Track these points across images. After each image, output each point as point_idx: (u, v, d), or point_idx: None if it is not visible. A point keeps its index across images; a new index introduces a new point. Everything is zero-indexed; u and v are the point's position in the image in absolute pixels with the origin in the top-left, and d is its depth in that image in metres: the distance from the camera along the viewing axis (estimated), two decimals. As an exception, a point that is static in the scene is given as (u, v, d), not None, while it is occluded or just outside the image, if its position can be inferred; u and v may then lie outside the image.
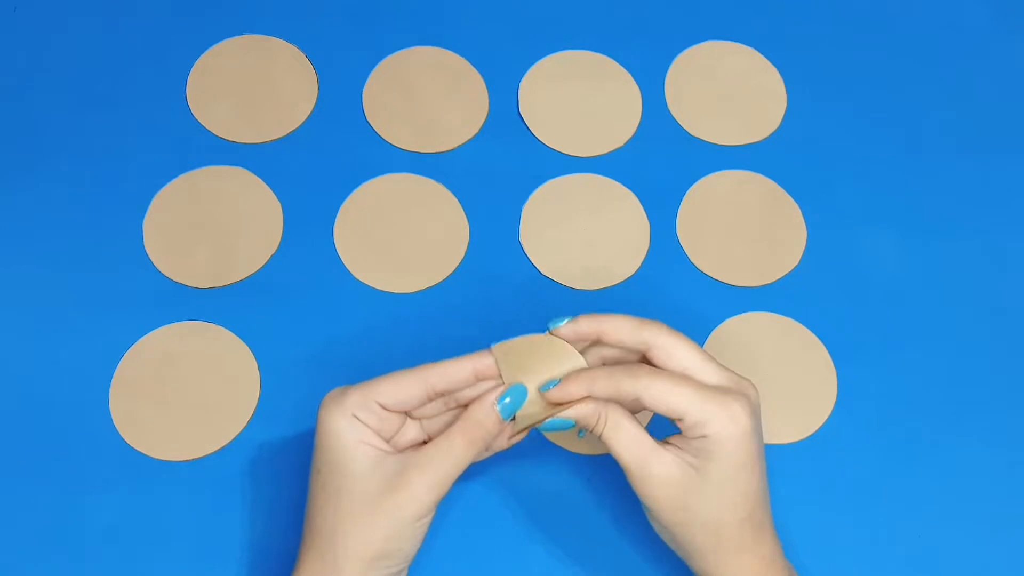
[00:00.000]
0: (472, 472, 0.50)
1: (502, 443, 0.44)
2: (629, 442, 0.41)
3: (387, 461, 0.41)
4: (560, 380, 0.42)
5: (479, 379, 0.42)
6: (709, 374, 0.42)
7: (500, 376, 0.42)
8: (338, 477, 0.41)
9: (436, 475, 0.41)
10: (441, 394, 0.42)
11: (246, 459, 0.50)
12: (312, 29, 0.63)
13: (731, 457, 0.40)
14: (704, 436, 0.40)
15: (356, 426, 0.41)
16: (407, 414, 0.43)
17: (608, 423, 0.41)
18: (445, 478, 0.41)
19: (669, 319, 0.55)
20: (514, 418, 0.42)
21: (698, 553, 0.42)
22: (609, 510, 0.50)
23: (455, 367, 0.42)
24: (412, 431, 0.44)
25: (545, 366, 0.42)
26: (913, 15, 0.68)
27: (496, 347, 0.42)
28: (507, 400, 0.42)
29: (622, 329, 0.43)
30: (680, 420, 0.40)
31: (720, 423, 0.40)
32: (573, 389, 0.41)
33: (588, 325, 0.43)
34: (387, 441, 0.42)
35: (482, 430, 0.42)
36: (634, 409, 0.43)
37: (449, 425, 0.43)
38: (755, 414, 0.41)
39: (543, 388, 0.42)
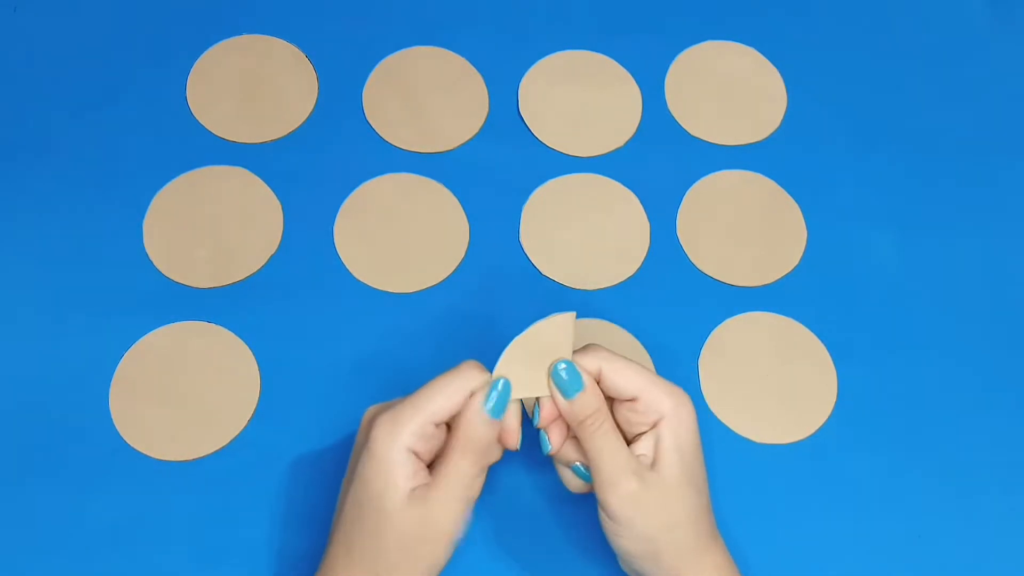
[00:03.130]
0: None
1: (512, 443, 0.44)
2: (610, 451, 0.42)
3: (419, 496, 0.41)
4: (572, 363, 0.43)
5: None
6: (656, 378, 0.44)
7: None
8: (382, 513, 0.40)
9: (459, 504, 0.41)
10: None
11: (246, 459, 0.50)
12: (312, 29, 0.63)
13: (683, 449, 0.42)
14: (658, 421, 0.42)
15: (410, 463, 0.41)
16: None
17: (600, 426, 0.42)
18: (467, 503, 0.42)
19: (669, 319, 0.56)
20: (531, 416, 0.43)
21: (650, 563, 0.42)
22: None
23: (486, 379, 0.42)
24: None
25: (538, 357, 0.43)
26: (913, 15, 0.68)
27: (497, 372, 0.42)
28: (491, 403, 0.42)
29: (579, 360, 0.44)
30: (635, 399, 0.42)
31: (672, 405, 0.42)
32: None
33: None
34: (431, 457, 0.42)
35: (478, 441, 0.42)
36: None
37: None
38: (695, 411, 0.43)
39: (558, 366, 0.42)
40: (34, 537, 0.47)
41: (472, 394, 0.42)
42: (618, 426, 0.44)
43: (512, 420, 0.43)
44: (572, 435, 0.44)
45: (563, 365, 0.42)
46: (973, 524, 0.51)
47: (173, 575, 0.47)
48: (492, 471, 0.49)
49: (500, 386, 0.42)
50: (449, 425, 0.43)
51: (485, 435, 0.42)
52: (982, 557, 0.51)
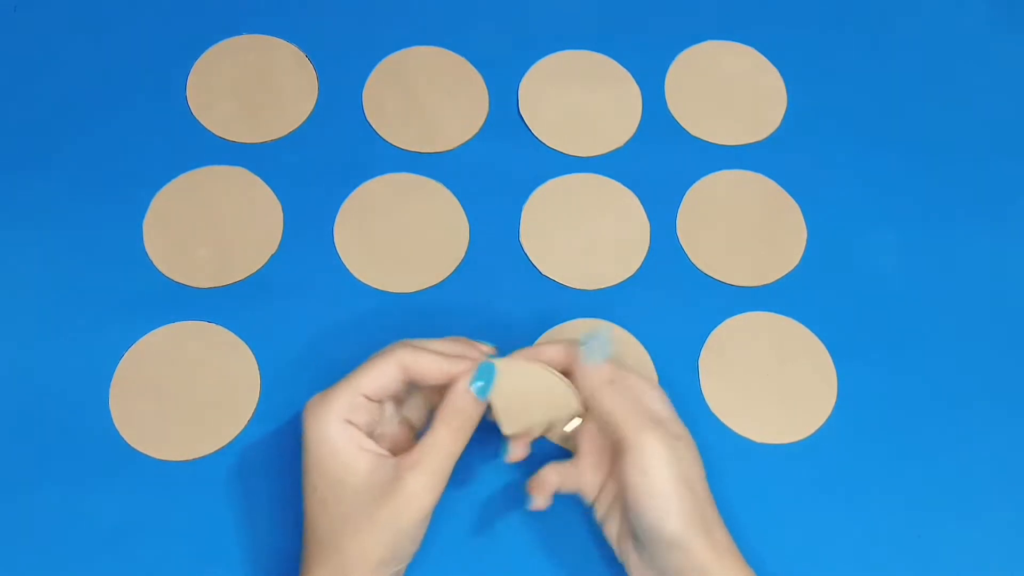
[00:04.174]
0: (470, 473, 0.50)
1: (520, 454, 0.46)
2: (635, 404, 0.44)
3: (381, 465, 0.41)
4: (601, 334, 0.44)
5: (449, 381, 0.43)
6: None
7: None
8: (336, 487, 0.41)
9: (431, 474, 0.41)
10: (414, 381, 0.44)
11: (246, 459, 0.50)
12: (312, 29, 0.63)
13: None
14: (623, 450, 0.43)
15: (349, 431, 0.41)
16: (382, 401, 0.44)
17: (623, 383, 0.44)
18: (440, 475, 0.41)
19: (669, 320, 0.56)
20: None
21: (675, 523, 0.42)
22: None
23: (429, 363, 0.43)
24: (393, 423, 0.45)
25: (540, 405, 0.45)
26: (913, 15, 0.68)
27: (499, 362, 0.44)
28: (479, 383, 0.43)
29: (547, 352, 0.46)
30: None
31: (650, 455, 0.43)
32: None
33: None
34: (373, 435, 0.43)
35: (463, 416, 0.42)
36: None
37: (429, 413, 0.44)
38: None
39: (589, 338, 0.44)
40: (34, 537, 0.47)
41: (410, 374, 0.43)
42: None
43: (518, 449, 0.46)
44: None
45: (601, 333, 0.44)
46: (973, 524, 0.51)
47: (172, 574, 0.47)
48: (478, 472, 0.50)
49: (486, 369, 0.43)
50: (394, 404, 0.44)
51: (469, 409, 0.43)
52: (982, 557, 0.51)
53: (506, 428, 0.44)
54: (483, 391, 0.43)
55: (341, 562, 0.41)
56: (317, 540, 0.42)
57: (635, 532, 0.44)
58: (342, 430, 0.41)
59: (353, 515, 0.41)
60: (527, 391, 0.44)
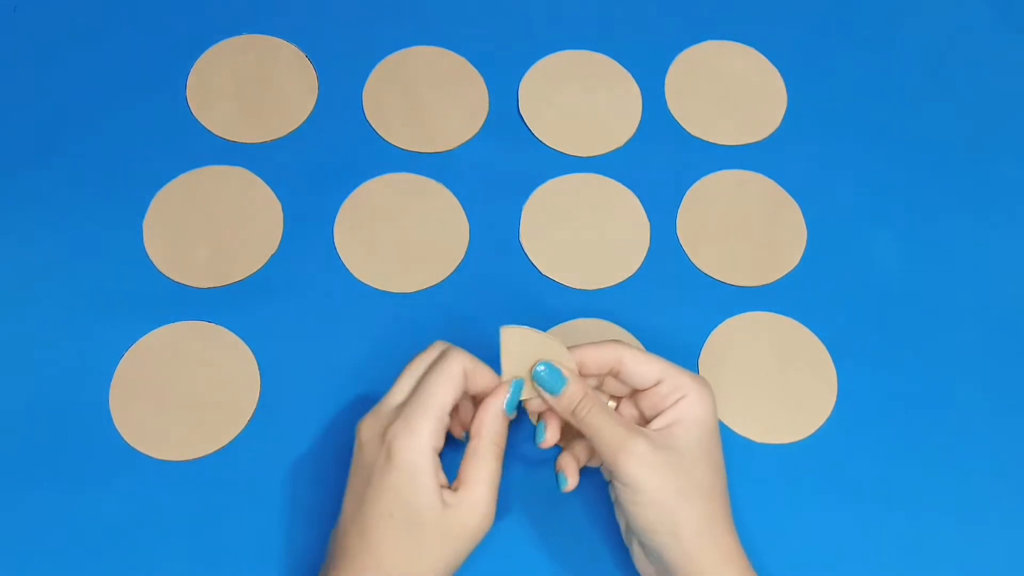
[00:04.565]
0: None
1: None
2: (610, 423, 0.43)
3: (454, 498, 0.42)
4: (549, 363, 0.44)
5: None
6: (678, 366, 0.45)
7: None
8: (419, 520, 0.41)
9: (494, 500, 0.42)
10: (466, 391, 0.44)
11: (246, 459, 0.50)
12: (312, 29, 0.63)
13: (704, 424, 0.43)
14: (680, 399, 0.43)
15: (434, 463, 0.41)
16: None
17: (593, 407, 0.43)
18: (496, 499, 0.42)
19: (669, 319, 0.56)
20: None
21: (669, 537, 0.42)
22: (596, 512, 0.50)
23: (485, 374, 0.44)
24: None
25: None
26: (913, 15, 0.68)
27: (505, 330, 0.44)
28: (511, 403, 0.44)
29: (590, 353, 0.45)
30: (657, 384, 0.44)
31: (693, 388, 0.44)
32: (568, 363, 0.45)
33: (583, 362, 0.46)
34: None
35: (502, 437, 0.43)
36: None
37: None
38: (713, 401, 0.45)
39: (538, 368, 0.44)
40: (34, 536, 0.47)
41: (479, 395, 0.44)
42: (643, 415, 0.46)
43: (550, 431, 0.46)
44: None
45: (542, 367, 0.44)
46: (973, 524, 0.51)
47: (173, 574, 0.47)
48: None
49: (517, 387, 0.44)
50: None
51: (505, 431, 0.44)
52: (982, 558, 0.51)
53: (505, 373, 0.44)
54: (512, 406, 0.44)
55: None
56: (383, 569, 0.41)
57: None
58: (431, 462, 0.41)
59: (436, 546, 0.41)
60: (531, 351, 0.44)
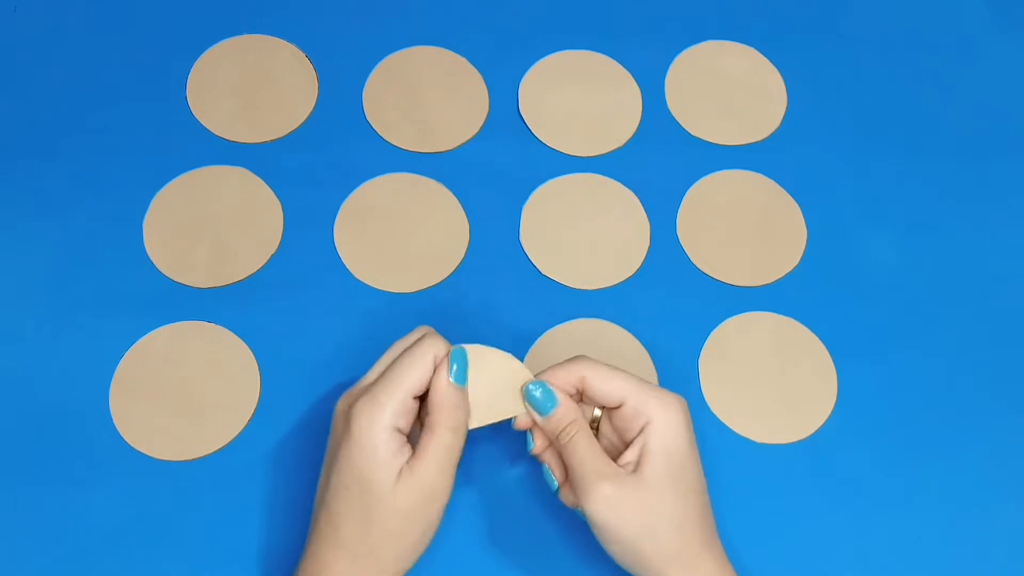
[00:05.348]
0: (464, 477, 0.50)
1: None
2: (586, 457, 0.43)
3: (407, 472, 0.42)
4: (543, 383, 0.44)
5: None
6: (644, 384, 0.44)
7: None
8: (371, 494, 0.41)
9: (447, 473, 0.42)
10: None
11: (246, 459, 0.50)
12: (312, 29, 0.63)
13: (670, 451, 0.43)
14: (645, 425, 0.43)
15: (397, 440, 0.42)
16: None
17: (575, 435, 0.43)
18: (453, 469, 0.43)
19: (669, 319, 0.56)
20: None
21: (640, 570, 0.42)
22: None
23: (444, 344, 0.44)
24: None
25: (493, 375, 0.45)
26: (913, 15, 0.68)
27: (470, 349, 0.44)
28: (455, 368, 0.43)
29: (557, 374, 0.45)
30: (620, 406, 0.43)
31: (658, 411, 0.43)
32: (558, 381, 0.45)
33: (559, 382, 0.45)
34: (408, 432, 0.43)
35: (451, 407, 0.43)
36: None
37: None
38: (688, 417, 0.44)
39: (530, 387, 0.44)
40: (34, 536, 0.47)
41: (436, 368, 0.43)
42: (615, 431, 0.45)
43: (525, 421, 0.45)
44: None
45: (535, 387, 0.44)
46: (973, 525, 0.52)
47: (172, 574, 0.47)
48: (486, 470, 0.50)
49: (458, 355, 0.43)
50: (422, 398, 0.44)
51: (456, 401, 0.43)
52: (982, 558, 0.51)
53: (473, 421, 0.44)
54: (461, 377, 0.43)
55: (377, 565, 0.42)
56: (340, 540, 0.42)
57: None
58: (390, 439, 0.41)
59: (391, 524, 0.41)
60: (493, 379, 0.44)
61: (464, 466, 0.44)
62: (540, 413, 0.44)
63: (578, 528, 0.49)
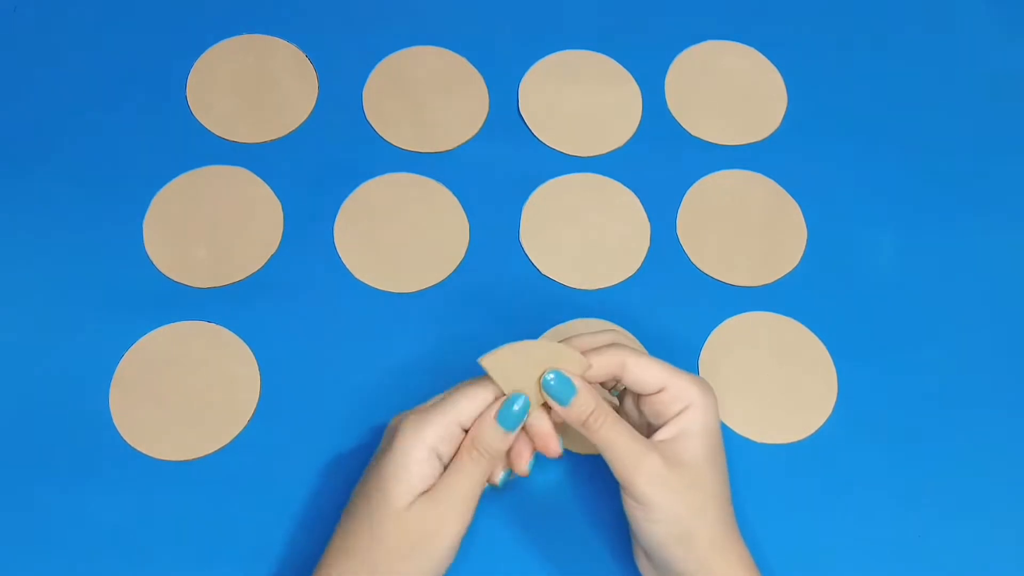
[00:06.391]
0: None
1: (522, 468, 0.45)
2: (623, 439, 0.42)
3: (425, 497, 0.41)
4: (559, 371, 0.43)
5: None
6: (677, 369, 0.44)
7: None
8: (386, 507, 0.41)
9: (463, 504, 0.42)
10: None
11: (246, 459, 0.50)
12: (312, 29, 0.63)
13: (711, 433, 0.43)
14: (685, 408, 0.43)
15: (430, 464, 0.41)
16: None
17: (606, 420, 0.43)
18: (471, 504, 0.42)
19: (669, 319, 0.56)
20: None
21: (684, 551, 0.42)
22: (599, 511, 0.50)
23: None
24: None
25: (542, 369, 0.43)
26: (912, 16, 0.68)
27: (485, 360, 0.42)
28: (504, 414, 0.42)
29: (600, 360, 0.44)
30: (661, 391, 0.43)
31: (698, 397, 0.43)
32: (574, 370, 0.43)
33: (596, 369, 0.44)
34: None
35: (485, 446, 0.42)
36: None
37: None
38: (716, 405, 0.44)
39: (547, 377, 0.43)
40: (34, 536, 0.47)
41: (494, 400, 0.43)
42: (645, 419, 0.45)
43: (544, 424, 0.44)
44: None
45: (551, 376, 0.43)
46: (973, 523, 0.52)
47: (173, 574, 0.47)
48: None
49: (518, 402, 0.42)
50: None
51: (494, 443, 0.42)
52: (983, 557, 0.51)
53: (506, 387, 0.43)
54: (510, 422, 0.42)
55: None
56: (349, 549, 0.42)
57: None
58: (425, 460, 0.41)
59: (394, 539, 0.41)
60: (534, 362, 0.43)
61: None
62: (560, 403, 0.43)
63: (586, 532, 0.49)
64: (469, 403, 0.42)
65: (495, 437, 0.42)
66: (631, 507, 0.43)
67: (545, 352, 0.43)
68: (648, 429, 0.45)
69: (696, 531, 0.42)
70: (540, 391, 0.43)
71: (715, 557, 0.42)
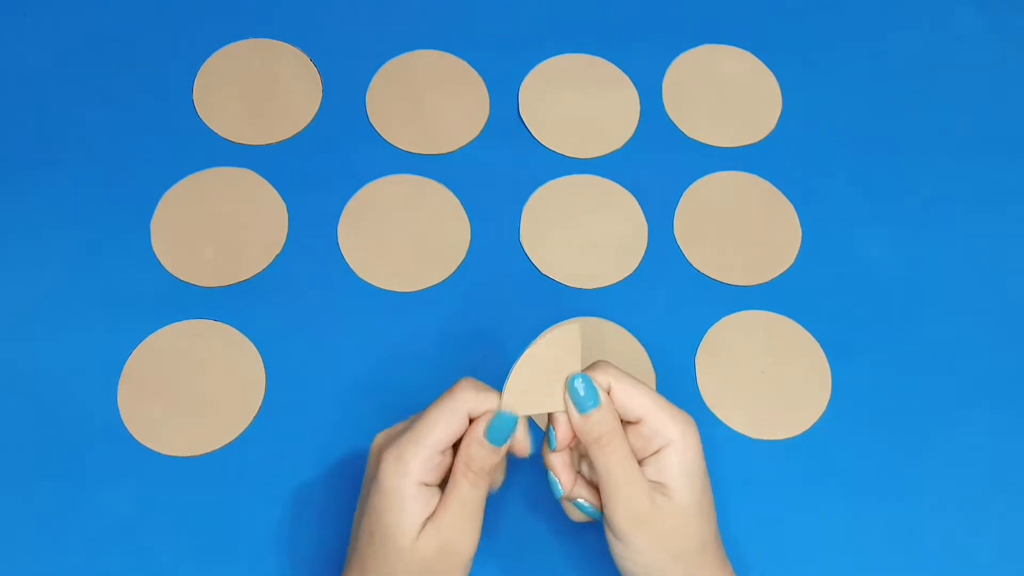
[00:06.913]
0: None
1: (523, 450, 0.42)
2: (621, 470, 0.41)
3: (431, 525, 0.40)
4: (589, 379, 0.41)
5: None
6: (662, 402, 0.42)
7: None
8: (393, 544, 0.40)
9: (470, 528, 0.40)
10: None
11: (252, 455, 0.50)
12: (317, 33, 0.63)
13: (693, 475, 0.41)
14: (664, 447, 0.41)
15: (423, 495, 0.40)
16: None
17: (614, 444, 0.41)
18: (477, 525, 0.41)
19: (666, 318, 0.56)
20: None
21: None
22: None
23: (483, 399, 0.41)
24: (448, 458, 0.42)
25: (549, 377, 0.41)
26: (907, 19, 0.69)
27: (503, 403, 0.41)
28: (492, 433, 0.41)
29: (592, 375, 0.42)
30: (637, 423, 0.41)
31: (679, 432, 0.41)
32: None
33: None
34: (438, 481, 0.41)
35: (479, 465, 0.41)
36: None
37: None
38: (700, 438, 0.42)
39: (574, 379, 0.41)
40: (43, 532, 0.48)
41: (473, 419, 0.41)
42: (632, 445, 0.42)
43: (519, 430, 0.42)
44: (580, 474, 0.44)
45: (580, 380, 0.41)
46: (967, 521, 0.52)
47: (179, 569, 0.47)
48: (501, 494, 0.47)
49: (504, 418, 0.41)
50: (456, 446, 0.41)
51: (488, 461, 0.41)
52: (977, 554, 0.51)
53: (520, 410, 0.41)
54: (499, 439, 0.41)
55: None
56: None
57: None
58: (418, 494, 0.40)
59: (409, 572, 0.40)
60: (541, 376, 0.41)
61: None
62: (580, 410, 0.41)
63: (577, 537, 0.50)
64: (446, 428, 0.40)
65: (487, 455, 0.41)
66: (611, 540, 0.42)
67: (542, 350, 0.41)
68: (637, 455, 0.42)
69: (673, 574, 0.41)
70: (564, 395, 0.41)
71: None
